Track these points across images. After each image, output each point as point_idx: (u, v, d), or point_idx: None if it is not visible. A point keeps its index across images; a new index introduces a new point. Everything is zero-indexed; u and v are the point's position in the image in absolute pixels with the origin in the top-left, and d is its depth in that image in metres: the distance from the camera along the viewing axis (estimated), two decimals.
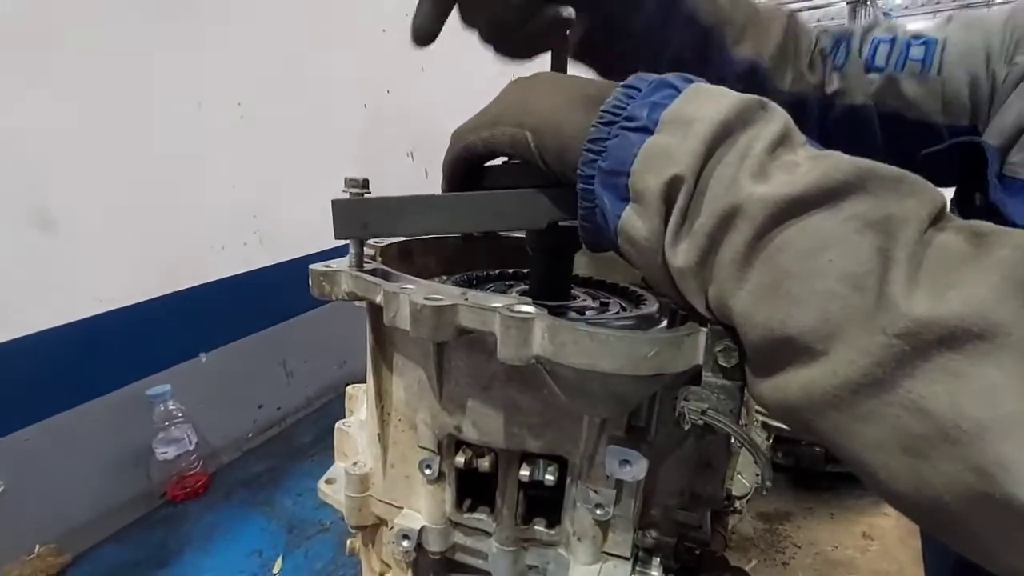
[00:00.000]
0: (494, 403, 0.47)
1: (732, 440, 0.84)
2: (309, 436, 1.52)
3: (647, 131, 0.33)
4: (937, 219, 0.28)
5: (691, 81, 0.36)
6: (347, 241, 0.49)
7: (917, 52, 0.59)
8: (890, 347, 0.25)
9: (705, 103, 0.32)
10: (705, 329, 0.38)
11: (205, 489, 1.31)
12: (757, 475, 0.86)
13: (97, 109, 1.14)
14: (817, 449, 1.11)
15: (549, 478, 0.47)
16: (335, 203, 0.46)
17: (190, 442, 1.26)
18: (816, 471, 1.11)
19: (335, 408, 0.61)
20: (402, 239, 0.71)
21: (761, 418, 1.16)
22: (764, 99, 0.33)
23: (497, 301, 0.40)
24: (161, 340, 1.29)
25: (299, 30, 1.60)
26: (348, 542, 0.72)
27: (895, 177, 0.28)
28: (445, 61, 2.17)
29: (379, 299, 0.45)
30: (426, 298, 0.41)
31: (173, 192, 1.30)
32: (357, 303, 0.54)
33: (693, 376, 0.39)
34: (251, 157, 1.48)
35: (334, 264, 0.50)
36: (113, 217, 1.18)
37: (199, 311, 1.36)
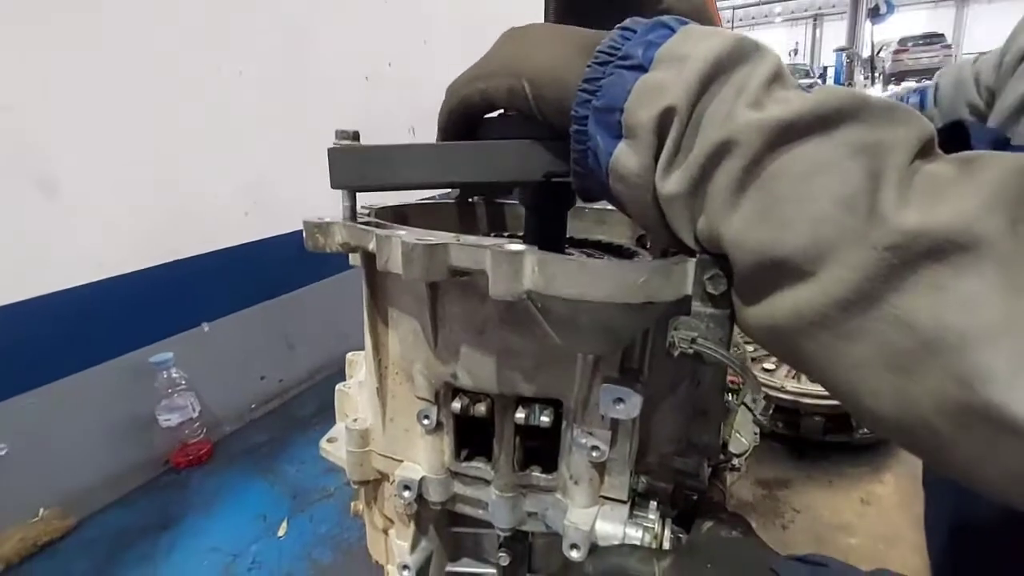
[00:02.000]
0: (488, 348, 0.47)
1: (729, 397, 0.85)
2: (311, 408, 1.53)
3: (642, 69, 0.34)
4: (927, 148, 0.28)
5: (686, 23, 0.35)
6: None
7: (913, 99, 0.63)
8: (880, 261, 0.25)
9: (700, 41, 0.33)
10: (693, 259, 0.39)
11: (208, 457, 1.32)
12: (755, 433, 0.87)
13: (100, 78, 1.14)
14: (816, 419, 1.13)
15: (545, 419, 0.48)
16: (332, 151, 0.46)
17: (193, 410, 1.27)
18: (815, 440, 1.13)
19: (337, 381, 0.62)
20: (398, 204, 0.71)
21: (763, 389, 1.17)
22: (758, 41, 0.33)
23: (489, 241, 0.41)
24: (163, 308, 1.29)
25: (302, 1, 1.59)
26: (352, 504, 0.73)
27: (887, 106, 0.29)
28: (447, 35, 2.16)
29: (372, 246, 0.45)
30: (418, 239, 0.41)
31: (176, 160, 1.30)
32: (352, 261, 0.55)
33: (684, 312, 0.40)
34: (253, 126, 1.48)
35: (328, 216, 0.51)
36: (116, 184, 1.19)
37: (201, 280, 1.36)
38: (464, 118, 0.46)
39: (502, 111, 0.50)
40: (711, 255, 0.36)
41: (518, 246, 0.39)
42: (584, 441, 0.49)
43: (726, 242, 0.31)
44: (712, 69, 0.31)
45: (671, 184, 0.32)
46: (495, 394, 0.49)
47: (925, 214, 0.25)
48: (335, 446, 0.64)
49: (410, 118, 1.99)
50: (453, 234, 0.44)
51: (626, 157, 0.34)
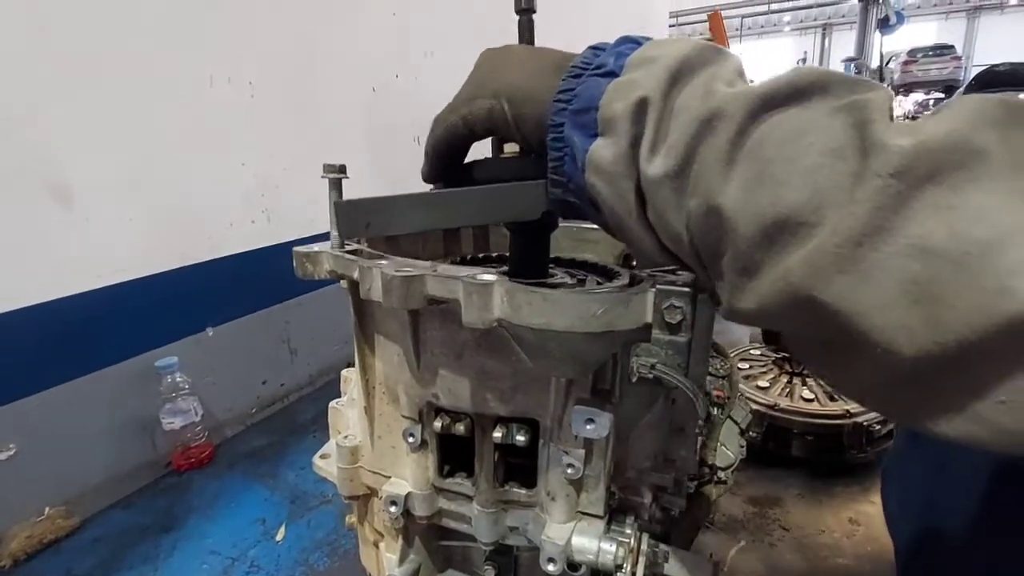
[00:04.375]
0: (466, 370, 0.50)
1: (715, 411, 0.87)
2: (311, 413, 1.56)
3: (614, 75, 0.36)
4: (891, 113, 0.29)
5: (650, 38, 0.38)
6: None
7: None
8: (884, 189, 0.25)
9: (666, 47, 0.35)
10: (653, 289, 0.41)
11: (209, 460, 1.35)
12: (741, 447, 0.89)
13: (113, 86, 1.19)
14: (808, 438, 1.13)
15: (520, 438, 0.50)
16: (338, 204, 0.49)
17: (196, 413, 1.30)
18: (807, 459, 1.14)
19: (337, 387, 0.65)
20: None
21: (754, 406, 1.18)
22: (719, 46, 0.36)
23: (463, 272, 0.43)
24: (170, 313, 1.33)
25: (311, 13, 1.64)
26: (347, 517, 0.76)
27: (853, 78, 0.30)
28: (453, 47, 2.21)
29: (356, 275, 0.48)
30: (396, 270, 0.44)
31: (185, 169, 1.34)
32: (342, 286, 0.58)
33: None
34: (262, 137, 1.52)
35: (316, 246, 0.54)
36: (127, 192, 1.23)
37: (207, 286, 1.40)
38: (449, 147, 0.47)
39: (493, 152, 0.53)
40: (671, 282, 0.38)
41: (489, 277, 0.41)
42: (560, 459, 0.51)
43: (726, 212, 0.30)
44: (680, 66, 0.33)
45: (657, 166, 0.33)
46: (474, 414, 0.52)
47: (918, 134, 0.25)
48: (327, 462, 0.67)
49: (415, 129, 2.03)
50: (430, 263, 0.47)
51: (603, 148, 0.35)
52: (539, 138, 0.40)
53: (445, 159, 0.49)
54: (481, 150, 0.52)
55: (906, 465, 0.70)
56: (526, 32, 0.56)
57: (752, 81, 0.33)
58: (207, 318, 1.41)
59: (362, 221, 0.47)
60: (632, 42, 0.37)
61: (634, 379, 0.40)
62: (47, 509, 1.11)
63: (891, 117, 0.28)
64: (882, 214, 0.25)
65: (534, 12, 0.55)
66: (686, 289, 0.40)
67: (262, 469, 1.30)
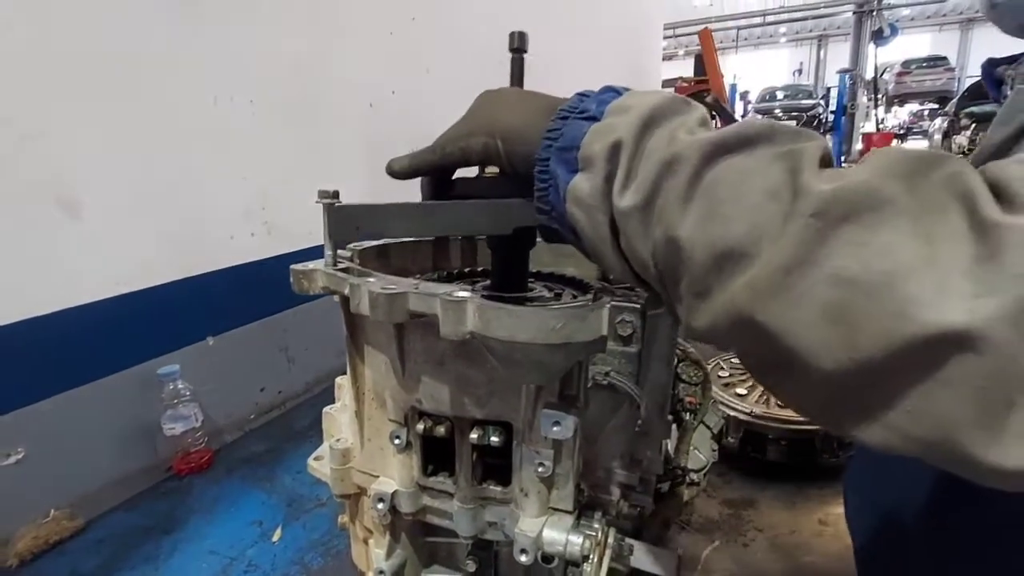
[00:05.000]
0: (446, 377, 0.55)
1: (687, 417, 0.92)
2: (308, 420, 1.60)
3: (595, 119, 0.41)
4: (826, 159, 0.34)
5: (628, 89, 0.44)
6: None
7: None
8: (807, 227, 0.30)
9: (641, 98, 0.41)
10: (608, 305, 0.46)
11: (209, 465, 1.40)
12: (714, 450, 0.94)
13: (122, 104, 1.24)
14: (782, 443, 1.18)
15: (495, 439, 0.55)
16: (331, 209, 0.55)
17: (196, 420, 1.35)
18: (781, 463, 1.19)
19: (332, 395, 0.70)
20: (380, 243, 0.79)
21: (732, 413, 1.23)
22: (687, 98, 0.41)
23: (442, 289, 0.49)
24: (172, 323, 1.38)
25: (310, 32, 1.71)
26: (339, 518, 0.81)
27: (794, 129, 0.35)
28: (448, 64, 2.28)
29: (347, 291, 0.53)
30: (382, 288, 0.49)
31: (189, 185, 1.40)
32: (335, 300, 0.63)
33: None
34: (262, 152, 1.58)
35: (311, 264, 0.59)
36: (134, 207, 1.28)
37: (208, 297, 1.45)
38: (443, 170, 0.55)
39: (477, 173, 0.58)
40: (645, 283, 0.42)
41: (463, 294, 0.47)
42: (532, 458, 0.56)
43: (683, 242, 0.35)
44: (652, 114, 0.39)
45: (627, 199, 0.38)
46: (453, 417, 0.57)
47: (837, 183, 0.30)
48: (321, 463, 0.72)
49: (411, 144, 2.09)
50: (414, 281, 0.52)
51: (582, 183, 0.40)
52: (527, 171, 0.46)
53: (438, 179, 0.56)
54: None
55: (861, 470, 0.75)
56: (517, 69, 0.62)
57: (714, 127, 0.39)
58: (208, 328, 1.46)
59: (352, 225, 0.53)
60: (614, 91, 0.43)
61: (590, 385, 0.45)
62: (52, 511, 1.16)
63: (823, 164, 0.32)
64: (805, 247, 0.29)
65: (525, 52, 0.60)
66: (636, 305, 0.45)
67: (260, 473, 1.34)
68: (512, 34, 0.58)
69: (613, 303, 0.46)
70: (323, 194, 0.56)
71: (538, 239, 0.67)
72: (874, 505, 0.70)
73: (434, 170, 0.55)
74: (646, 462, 0.65)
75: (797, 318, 0.30)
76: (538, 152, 0.43)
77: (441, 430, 0.57)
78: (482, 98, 0.53)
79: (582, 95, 0.44)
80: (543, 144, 0.43)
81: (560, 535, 0.56)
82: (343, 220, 0.53)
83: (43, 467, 1.14)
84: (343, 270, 0.57)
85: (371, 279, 0.53)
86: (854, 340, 0.28)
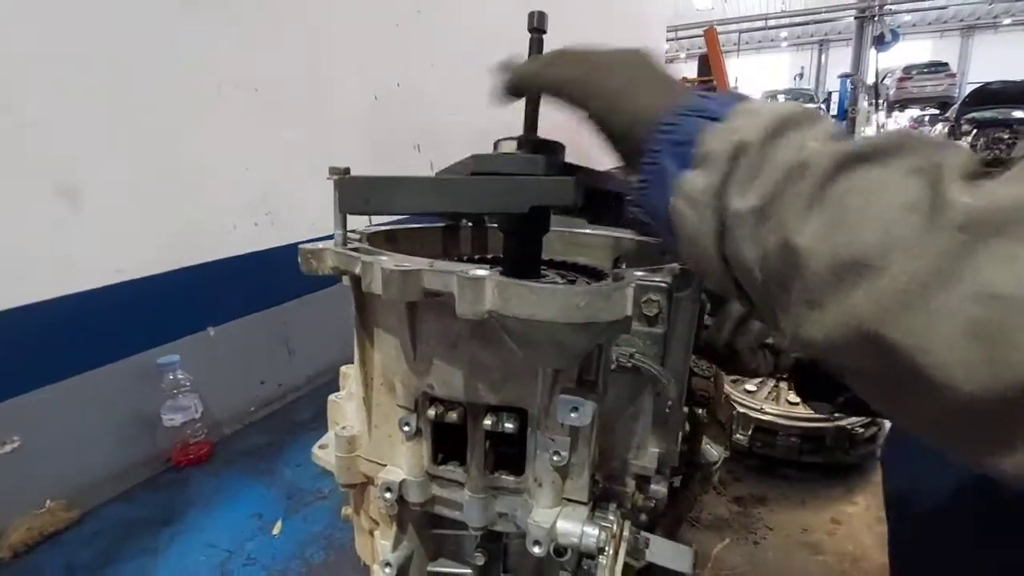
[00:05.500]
0: (460, 361, 0.53)
1: (700, 411, 0.90)
2: (309, 413, 1.58)
3: (718, 120, 0.40)
4: (975, 172, 0.31)
5: (755, 98, 0.43)
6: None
7: None
8: (951, 239, 0.28)
9: (770, 105, 0.40)
10: (633, 284, 0.44)
11: (208, 457, 1.38)
12: (725, 446, 0.92)
13: (123, 91, 1.22)
14: (793, 439, 1.16)
15: (509, 426, 0.53)
16: (341, 180, 0.53)
17: (196, 411, 1.33)
18: (792, 460, 1.17)
19: (334, 388, 0.68)
20: (389, 228, 0.78)
21: (742, 410, 1.21)
22: (817, 111, 0.41)
23: (458, 268, 0.47)
24: (172, 312, 1.36)
25: (316, 22, 1.69)
26: (343, 509, 0.79)
27: (936, 141, 0.33)
28: (454, 59, 2.26)
29: (358, 270, 0.51)
30: (396, 265, 0.47)
31: (191, 173, 1.37)
32: (345, 282, 0.61)
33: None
34: (266, 142, 1.56)
35: (321, 244, 0.57)
36: (134, 194, 1.26)
37: (209, 286, 1.43)
38: (519, 91, 0.52)
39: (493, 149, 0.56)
40: (738, 287, 0.41)
41: (481, 272, 0.45)
42: (547, 446, 0.54)
43: (801, 250, 0.34)
44: (782, 121, 0.38)
45: (744, 201, 0.37)
46: (466, 403, 0.55)
47: (988, 198, 0.28)
48: (326, 452, 0.70)
49: (416, 136, 2.08)
50: (428, 260, 0.50)
51: (696, 178, 0.39)
52: (622, 132, 0.45)
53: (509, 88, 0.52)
54: (480, 146, 0.55)
55: (902, 447, 0.72)
56: (536, 50, 0.60)
57: (849, 138, 0.38)
58: (208, 318, 1.44)
59: (362, 197, 0.51)
60: (736, 97, 0.43)
61: (613, 367, 0.44)
62: (48, 502, 1.13)
63: (968, 176, 0.30)
64: (948, 260, 0.28)
65: (544, 32, 0.59)
66: (663, 284, 0.44)
67: (260, 466, 1.32)
68: (532, 14, 0.56)
69: (639, 282, 0.44)
70: (334, 170, 0.55)
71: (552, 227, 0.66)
72: (916, 483, 0.67)
73: (547, 84, 0.50)
74: (662, 453, 0.63)
75: (934, 335, 0.28)
76: (649, 143, 0.42)
77: (453, 416, 0.55)
78: (635, 60, 0.49)
79: (701, 95, 0.43)
80: (655, 136, 0.42)
81: (575, 527, 0.55)
82: (353, 191, 0.51)
83: (38, 457, 1.12)
84: (354, 250, 0.55)
85: (383, 257, 0.51)
86: (1003, 360, 0.26)
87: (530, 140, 0.58)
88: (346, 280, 0.59)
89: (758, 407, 1.20)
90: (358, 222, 0.71)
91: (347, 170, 0.55)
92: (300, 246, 0.57)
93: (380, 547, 0.68)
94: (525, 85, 0.52)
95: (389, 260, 0.49)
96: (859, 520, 1.03)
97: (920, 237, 0.29)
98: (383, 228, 0.76)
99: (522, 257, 0.63)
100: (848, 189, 0.33)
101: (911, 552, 0.69)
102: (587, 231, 0.89)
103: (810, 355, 0.37)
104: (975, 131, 8.94)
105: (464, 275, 0.44)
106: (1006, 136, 8.53)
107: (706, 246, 0.40)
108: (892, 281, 0.29)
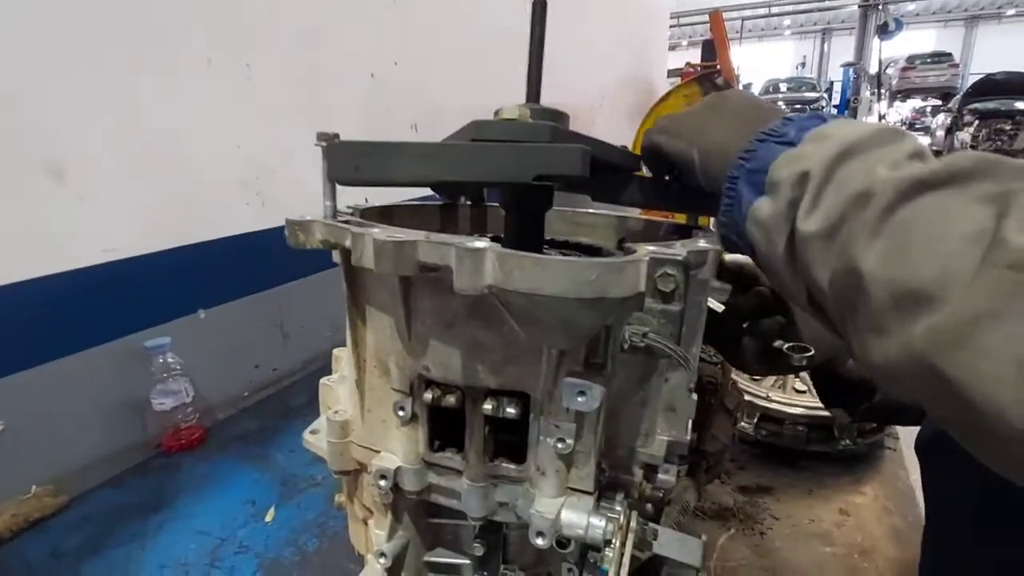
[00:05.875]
0: (458, 341, 0.49)
1: (707, 398, 0.87)
2: (303, 397, 1.55)
3: (791, 144, 0.41)
4: None
5: (837, 118, 0.43)
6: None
7: None
8: (1000, 278, 0.28)
9: (845, 127, 0.40)
10: (646, 258, 0.41)
11: (200, 442, 1.35)
12: (733, 434, 0.89)
13: (111, 65, 1.18)
14: (800, 428, 1.14)
15: (511, 411, 0.50)
16: (329, 145, 0.49)
17: (187, 395, 1.30)
18: (798, 450, 1.14)
19: (329, 372, 0.65)
20: (384, 204, 0.74)
21: (748, 398, 1.18)
22: (902, 128, 0.40)
23: (455, 239, 0.43)
24: (162, 294, 1.32)
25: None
26: (335, 497, 0.76)
27: (1019, 166, 0.32)
28: (453, 38, 2.21)
29: (348, 242, 0.47)
30: (388, 236, 0.43)
31: (180, 150, 1.33)
32: (335, 259, 0.58)
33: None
34: (258, 120, 1.51)
35: (309, 215, 0.53)
36: (121, 171, 1.22)
37: (200, 268, 1.39)
38: (650, 153, 0.58)
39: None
40: (820, 308, 0.41)
41: (481, 243, 0.41)
42: (550, 433, 0.51)
43: (865, 274, 0.34)
44: (850, 146, 0.38)
45: (811, 225, 0.38)
46: (464, 386, 0.51)
47: None
48: (317, 437, 0.66)
49: (413, 115, 2.03)
50: (423, 232, 0.46)
51: (764, 206, 0.41)
52: (717, 184, 0.47)
53: (650, 160, 0.60)
54: (479, 113, 0.51)
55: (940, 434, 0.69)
56: (538, 18, 0.57)
57: (926, 158, 0.37)
58: (200, 300, 1.40)
59: (352, 164, 0.47)
60: (819, 119, 0.43)
61: (626, 347, 0.40)
62: (34, 487, 1.11)
63: None
64: (999, 301, 0.28)
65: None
66: (679, 257, 0.40)
67: (253, 452, 1.30)
68: None
69: (653, 255, 0.40)
70: (322, 136, 0.50)
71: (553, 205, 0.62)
72: (958, 468, 0.64)
73: (643, 151, 0.59)
74: (671, 441, 0.60)
75: (985, 372, 0.28)
76: (730, 170, 0.45)
77: (451, 400, 0.52)
78: (708, 101, 0.55)
79: (787, 120, 0.45)
80: (735, 163, 0.44)
81: (580, 517, 0.51)
82: (342, 157, 0.47)
83: (24, 441, 1.09)
84: (344, 222, 0.51)
85: (375, 229, 0.47)
86: None
87: (534, 108, 0.54)
88: (337, 255, 0.55)
89: (764, 395, 1.17)
90: (355, 198, 0.68)
91: (336, 135, 0.51)
92: (287, 218, 0.53)
93: (374, 536, 0.66)
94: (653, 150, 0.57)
95: (381, 231, 0.45)
96: (868, 511, 1.01)
97: (975, 273, 0.29)
98: (377, 205, 0.72)
99: (523, 235, 0.59)
100: (912, 217, 0.33)
101: (951, 536, 0.66)
102: (590, 211, 0.85)
103: (879, 378, 0.38)
104: (977, 122, 8.89)
105: (462, 246, 0.40)
106: (1008, 127, 8.49)
107: (779, 266, 0.42)
108: (947, 317, 0.30)
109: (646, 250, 0.42)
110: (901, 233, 0.33)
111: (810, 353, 0.63)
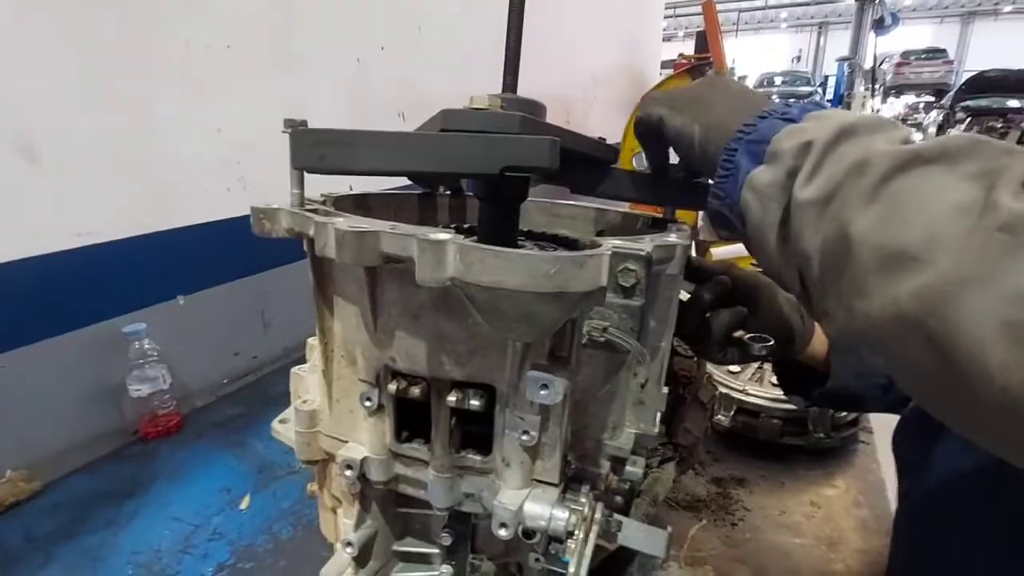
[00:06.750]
0: (423, 332, 0.49)
1: (681, 391, 0.87)
2: (283, 386, 1.51)
3: (794, 121, 0.43)
4: None
5: (836, 109, 0.45)
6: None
7: None
8: (990, 239, 0.28)
9: (844, 113, 0.41)
10: (608, 252, 0.41)
11: (178, 429, 1.34)
12: (706, 427, 0.89)
13: (85, 43, 1.15)
14: (774, 421, 1.15)
15: (475, 403, 0.50)
16: (294, 132, 0.47)
17: (164, 381, 1.28)
18: (772, 443, 1.16)
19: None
20: (361, 193, 0.73)
21: (724, 389, 1.19)
22: (894, 120, 0.42)
23: (418, 230, 0.43)
24: (139, 279, 1.30)
25: None
26: (308, 486, 0.76)
27: (1005, 147, 0.33)
28: (441, 24, 2.17)
29: (312, 231, 0.47)
30: (351, 226, 0.43)
31: (158, 133, 1.31)
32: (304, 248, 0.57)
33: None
34: (239, 103, 1.48)
35: (275, 203, 0.52)
36: (97, 153, 1.19)
37: (179, 253, 1.37)
38: (646, 127, 0.56)
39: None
40: (798, 277, 0.43)
41: (443, 235, 0.41)
42: (515, 425, 0.51)
43: (854, 237, 0.35)
44: (851, 125, 0.39)
45: (808, 192, 0.39)
46: (430, 377, 0.51)
47: None
48: (286, 427, 0.66)
49: (400, 102, 2.00)
50: (389, 223, 0.46)
51: (762, 173, 0.43)
52: (712, 160, 0.48)
53: (644, 136, 0.58)
54: (452, 102, 0.51)
55: (917, 425, 0.70)
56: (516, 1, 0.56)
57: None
58: (178, 286, 1.38)
59: (317, 153, 0.46)
60: (819, 107, 0.45)
61: (585, 341, 0.40)
62: (8, 472, 1.09)
63: None
64: (988, 262, 0.28)
65: None
66: (642, 252, 0.40)
67: (230, 439, 1.29)
68: None
69: (615, 249, 0.40)
70: (289, 122, 0.49)
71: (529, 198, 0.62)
72: (930, 461, 0.65)
73: (638, 123, 0.57)
74: (639, 434, 0.60)
75: (972, 332, 0.28)
76: (728, 143, 0.45)
77: (416, 392, 0.51)
78: (706, 81, 0.55)
79: (786, 103, 0.46)
80: (735, 136, 0.45)
81: (543, 509, 0.52)
82: (306, 145, 0.46)
83: None
84: (311, 211, 0.51)
85: (338, 219, 0.47)
86: None
87: (506, 98, 0.53)
88: (304, 243, 0.55)
89: (741, 388, 1.18)
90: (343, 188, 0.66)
91: (303, 122, 0.50)
92: (252, 205, 0.52)
93: (343, 526, 0.66)
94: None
95: (344, 221, 0.45)
96: (838, 503, 1.02)
97: (963, 237, 0.30)
98: (354, 194, 0.71)
99: (497, 226, 0.59)
100: (905, 187, 0.34)
101: (920, 523, 0.68)
102: (569, 202, 0.85)
103: (858, 343, 0.39)
104: (969, 119, 8.95)
105: (424, 238, 0.40)
106: (999, 125, 8.55)
107: (768, 234, 0.42)
108: (934, 276, 0.30)
109: (610, 244, 0.42)
110: (894, 201, 0.34)
111: (770, 343, 0.64)
